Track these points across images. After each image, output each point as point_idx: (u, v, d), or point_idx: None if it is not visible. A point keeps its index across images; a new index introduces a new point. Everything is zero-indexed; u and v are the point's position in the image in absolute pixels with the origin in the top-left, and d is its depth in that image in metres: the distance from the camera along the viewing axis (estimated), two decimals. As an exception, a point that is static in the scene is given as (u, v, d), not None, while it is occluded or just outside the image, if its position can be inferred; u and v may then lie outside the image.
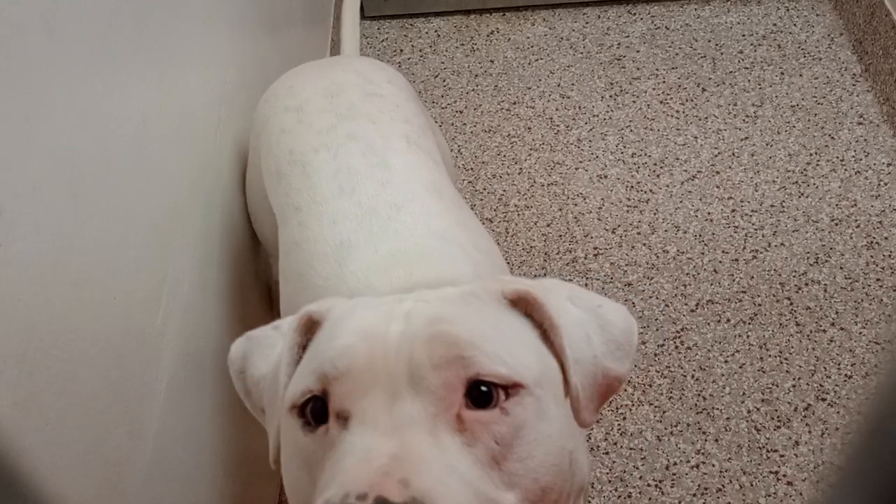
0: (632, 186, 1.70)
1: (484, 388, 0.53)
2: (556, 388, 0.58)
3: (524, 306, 0.60)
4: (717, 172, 1.71)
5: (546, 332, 0.60)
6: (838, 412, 1.35)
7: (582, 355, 0.59)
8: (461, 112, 1.88)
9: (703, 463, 1.31)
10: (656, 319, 1.49)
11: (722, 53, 1.95)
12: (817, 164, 1.70)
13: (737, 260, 1.56)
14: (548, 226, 1.65)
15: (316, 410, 0.54)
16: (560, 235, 1.63)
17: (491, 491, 0.51)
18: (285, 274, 0.92)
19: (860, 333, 1.44)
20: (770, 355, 1.43)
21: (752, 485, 1.28)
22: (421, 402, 0.52)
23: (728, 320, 1.48)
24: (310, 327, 0.62)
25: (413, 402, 0.52)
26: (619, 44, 2.00)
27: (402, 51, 2.04)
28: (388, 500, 0.46)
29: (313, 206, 0.90)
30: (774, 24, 2.00)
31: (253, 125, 1.09)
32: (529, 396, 0.54)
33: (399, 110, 0.98)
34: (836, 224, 1.60)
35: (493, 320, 0.58)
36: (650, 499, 1.28)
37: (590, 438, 1.35)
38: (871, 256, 1.54)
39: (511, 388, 0.53)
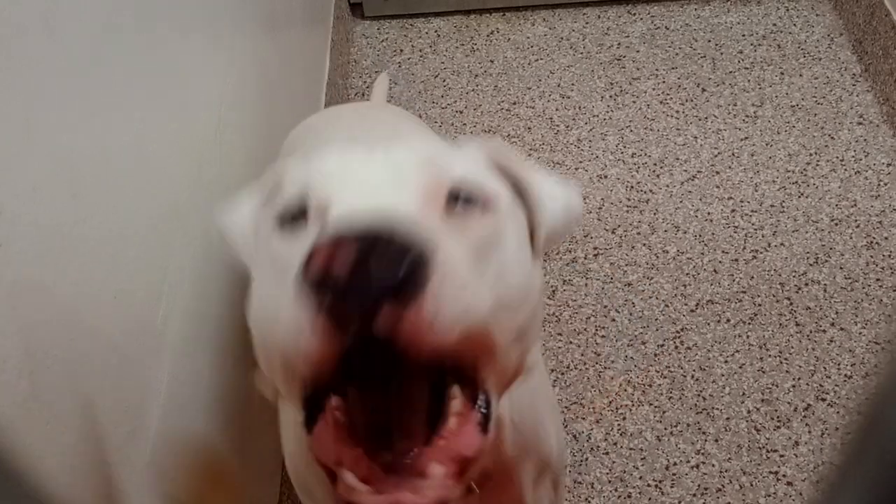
0: (632, 186, 1.70)
1: (464, 200, 0.52)
2: (521, 222, 0.58)
3: (503, 170, 0.61)
4: (717, 172, 1.71)
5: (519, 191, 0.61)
6: (838, 412, 1.35)
7: (546, 206, 0.61)
8: (461, 112, 1.88)
9: (703, 463, 1.31)
10: (656, 319, 1.49)
11: (722, 53, 1.95)
12: (817, 165, 1.70)
13: (737, 260, 1.56)
14: (548, 226, 1.65)
15: (297, 219, 0.53)
16: (560, 235, 1.63)
17: (476, 281, 0.48)
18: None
19: (860, 333, 1.44)
20: (770, 355, 1.43)
21: (751, 485, 1.28)
22: (407, 195, 0.51)
23: (728, 320, 1.48)
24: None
25: (396, 192, 0.50)
26: (619, 44, 2.00)
27: (402, 51, 2.04)
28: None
29: None
30: (774, 24, 2.00)
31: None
32: (501, 213, 0.54)
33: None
34: (836, 224, 1.60)
35: (472, 162, 0.58)
36: (650, 499, 1.28)
37: (589, 439, 1.35)
38: (871, 256, 1.54)
39: (486, 203, 0.53)
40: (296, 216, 0.52)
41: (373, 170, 0.52)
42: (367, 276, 0.41)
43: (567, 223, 0.64)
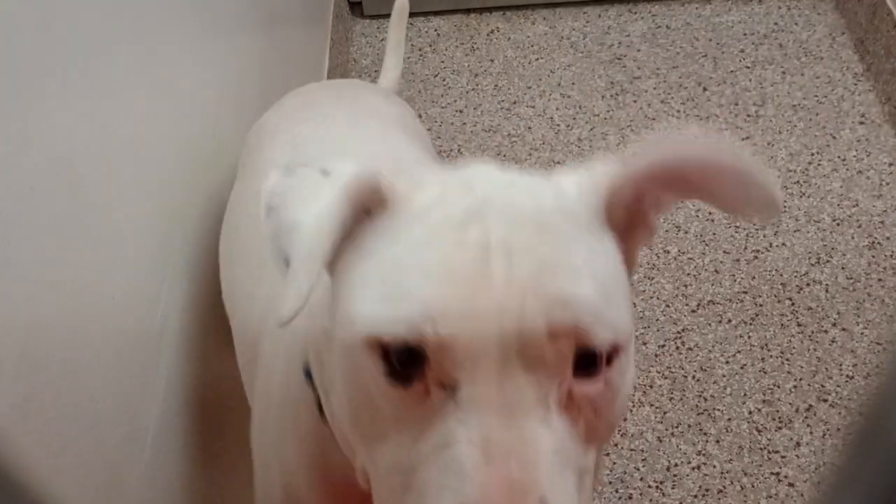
0: (633, 186, 1.70)
1: (590, 355, 0.48)
2: (632, 327, 0.53)
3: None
4: (719, 172, 1.71)
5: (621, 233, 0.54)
6: (840, 413, 1.35)
7: None
8: (461, 111, 1.88)
9: (705, 464, 1.31)
10: (657, 320, 1.48)
11: (723, 52, 1.95)
12: (819, 164, 1.70)
13: (738, 260, 1.56)
14: (548, 226, 1.64)
15: (405, 357, 0.47)
16: (561, 235, 1.62)
17: (584, 461, 0.48)
18: (225, 232, 0.93)
19: (862, 334, 1.44)
20: (771, 356, 1.43)
21: (753, 486, 1.28)
22: (534, 376, 0.46)
23: (729, 321, 1.48)
24: (365, 198, 0.52)
25: (526, 377, 0.46)
26: (619, 43, 2.00)
27: (402, 50, 2.04)
28: None
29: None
30: (776, 23, 2.00)
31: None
32: (625, 356, 0.50)
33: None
34: (838, 224, 1.60)
35: (597, 260, 0.50)
36: (651, 500, 1.28)
37: (590, 439, 1.35)
38: (873, 256, 1.54)
39: (612, 353, 0.49)
40: (403, 360, 0.47)
41: (501, 336, 0.46)
42: None
43: None
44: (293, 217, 0.52)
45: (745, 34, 1.98)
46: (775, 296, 1.50)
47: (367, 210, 0.52)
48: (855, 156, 1.71)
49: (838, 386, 1.38)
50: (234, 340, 0.89)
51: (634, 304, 1.51)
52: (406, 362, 0.47)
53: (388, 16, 2.11)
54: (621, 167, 0.53)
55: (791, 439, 1.32)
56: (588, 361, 0.47)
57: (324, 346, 0.56)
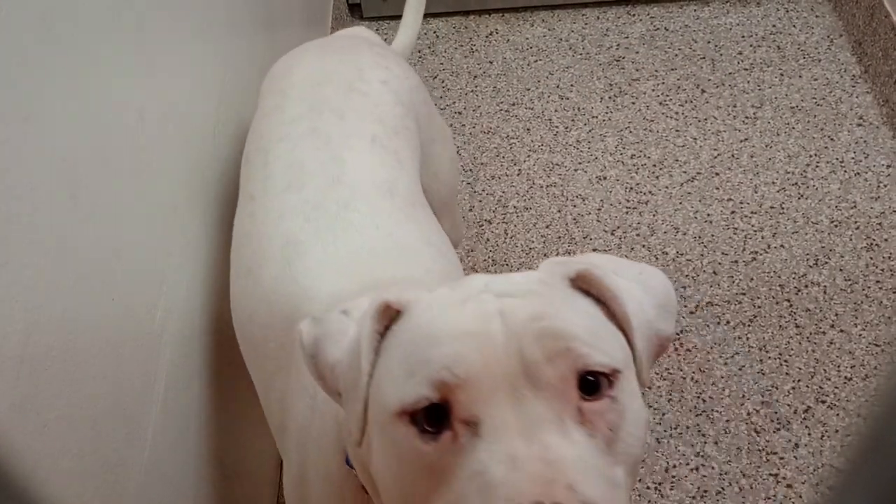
0: (631, 188, 1.70)
1: (591, 378, 0.54)
2: (632, 362, 0.60)
3: (584, 284, 0.62)
4: (717, 174, 1.71)
5: (606, 307, 0.61)
6: (838, 414, 1.35)
7: (639, 322, 0.61)
8: (460, 113, 1.88)
9: (703, 465, 1.31)
10: (656, 321, 1.48)
11: (721, 55, 1.95)
12: (817, 166, 1.70)
13: (736, 262, 1.56)
14: (547, 227, 1.64)
15: (431, 416, 0.54)
16: (559, 237, 1.63)
17: (612, 475, 0.53)
18: (235, 268, 0.91)
19: (860, 335, 1.44)
20: (770, 357, 1.43)
21: (751, 487, 1.28)
22: (545, 398, 0.53)
23: (727, 322, 1.48)
24: (386, 315, 0.61)
25: (537, 400, 0.53)
26: (618, 45, 2.00)
27: (401, 52, 2.04)
28: None
29: (265, 198, 0.89)
30: (774, 26, 2.00)
31: (259, 96, 1.09)
32: (625, 380, 0.56)
33: (376, 110, 0.97)
34: (836, 226, 1.60)
35: (574, 307, 0.59)
36: (649, 501, 1.28)
37: (589, 440, 1.35)
38: (871, 258, 1.54)
39: (612, 376, 0.55)
40: (431, 417, 0.54)
41: (508, 372, 0.53)
42: None
43: (664, 324, 0.63)
44: (331, 358, 0.63)
45: (743, 36, 1.99)
46: (773, 297, 1.50)
47: (387, 325, 0.61)
48: (853, 158, 1.71)
49: (836, 387, 1.38)
50: (249, 367, 0.90)
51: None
52: (432, 421, 0.54)
53: (387, 17, 2.12)
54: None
55: (789, 441, 1.32)
56: (592, 384, 0.54)
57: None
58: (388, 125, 0.96)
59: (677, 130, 1.80)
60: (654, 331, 0.62)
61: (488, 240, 1.64)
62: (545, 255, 1.59)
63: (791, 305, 1.49)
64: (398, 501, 0.58)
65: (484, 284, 0.60)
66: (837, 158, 1.71)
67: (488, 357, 0.54)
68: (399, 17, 2.11)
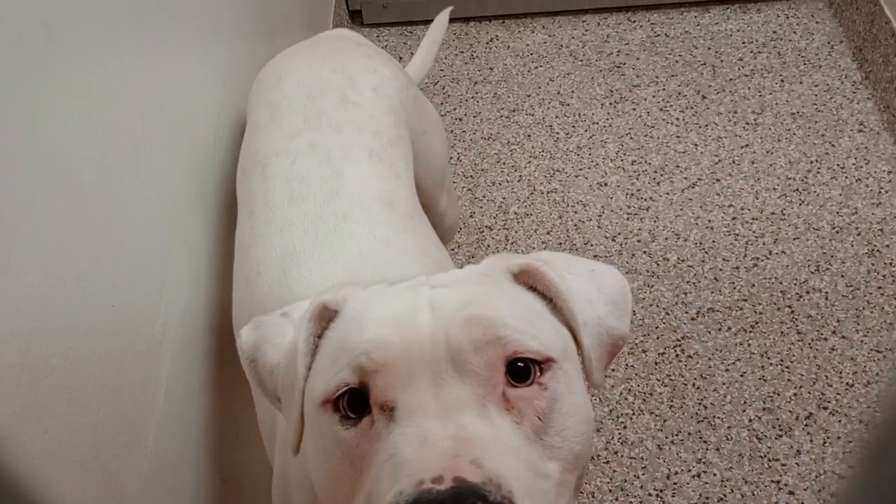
0: (632, 194, 1.70)
1: (521, 365, 0.54)
2: (575, 357, 0.60)
3: (528, 280, 0.62)
4: (718, 180, 1.71)
5: (552, 303, 0.61)
6: (840, 421, 1.34)
7: (588, 318, 0.61)
8: (460, 119, 1.88)
9: (705, 472, 1.31)
10: (657, 328, 1.48)
11: (722, 61, 1.95)
12: (818, 172, 1.70)
13: (737, 268, 1.56)
14: (548, 233, 1.64)
15: (353, 403, 0.54)
16: (560, 243, 1.62)
17: (540, 465, 0.52)
18: (236, 276, 0.92)
19: (862, 342, 1.44)
20: (771, 364, 1.42)
21: (753, 494, 1.28)
22: (468, 384, 0.53)
23: (729, 328, 1.47)
24: (323, 316, 0.61)
25: (459, 385, 0.52)
26: (618, 51, 2.00)
27: (401, 58, 2.04)
28: (467, 479, 0.46)
29: (265, 211, 0.90)
30: (774, 32, 2.01)
31: (248, 103, 1.08)
32: (560, 370, 0.56)
33: (371, 122, 0.97)
34: (837, 232, 1.60)
35: (511, 297, 0.59)
36: (651, 508, 1.28)
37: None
38: (873, 264, 1.54)
39: (544, 364, 0.55)
40: (353, 404, 0.54)
41: (431, 358, 0.53)
42: None
43: (616, 322, 0.63)
44: (270, 361, 0.62)
45: (743, 43, 1.99)
46: (775, 303, 1.50)
47: (327, 324, 0.61)
48: (854, 164, 1.71)
49: (838, 394, 1.38)
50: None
51: (634, 311, 1.51)
52: (354, 408, 0.54)
53: (387, 24, 2.13)
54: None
55: (791, 447, 1.32)
56: (522, 371, 0.54)
57: None
58: (383, 137, 0.97)
59: (678, 136, 1.80)
60: (606, 328, 0.62)
61: (489, 246, 1.64)
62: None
63: (792, 312, 1.49)
64: (328, 498, 0.58)
65: (425, 278, 0.60)
66: (838, 164, 1.71)
67: (410, 343, 0.54)
68: (400, 23, 2.12)
